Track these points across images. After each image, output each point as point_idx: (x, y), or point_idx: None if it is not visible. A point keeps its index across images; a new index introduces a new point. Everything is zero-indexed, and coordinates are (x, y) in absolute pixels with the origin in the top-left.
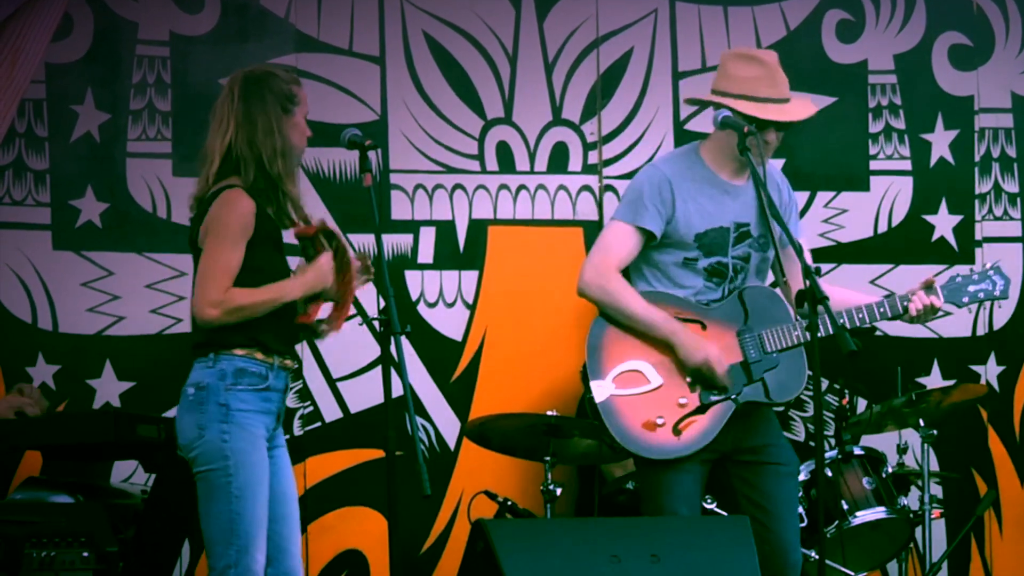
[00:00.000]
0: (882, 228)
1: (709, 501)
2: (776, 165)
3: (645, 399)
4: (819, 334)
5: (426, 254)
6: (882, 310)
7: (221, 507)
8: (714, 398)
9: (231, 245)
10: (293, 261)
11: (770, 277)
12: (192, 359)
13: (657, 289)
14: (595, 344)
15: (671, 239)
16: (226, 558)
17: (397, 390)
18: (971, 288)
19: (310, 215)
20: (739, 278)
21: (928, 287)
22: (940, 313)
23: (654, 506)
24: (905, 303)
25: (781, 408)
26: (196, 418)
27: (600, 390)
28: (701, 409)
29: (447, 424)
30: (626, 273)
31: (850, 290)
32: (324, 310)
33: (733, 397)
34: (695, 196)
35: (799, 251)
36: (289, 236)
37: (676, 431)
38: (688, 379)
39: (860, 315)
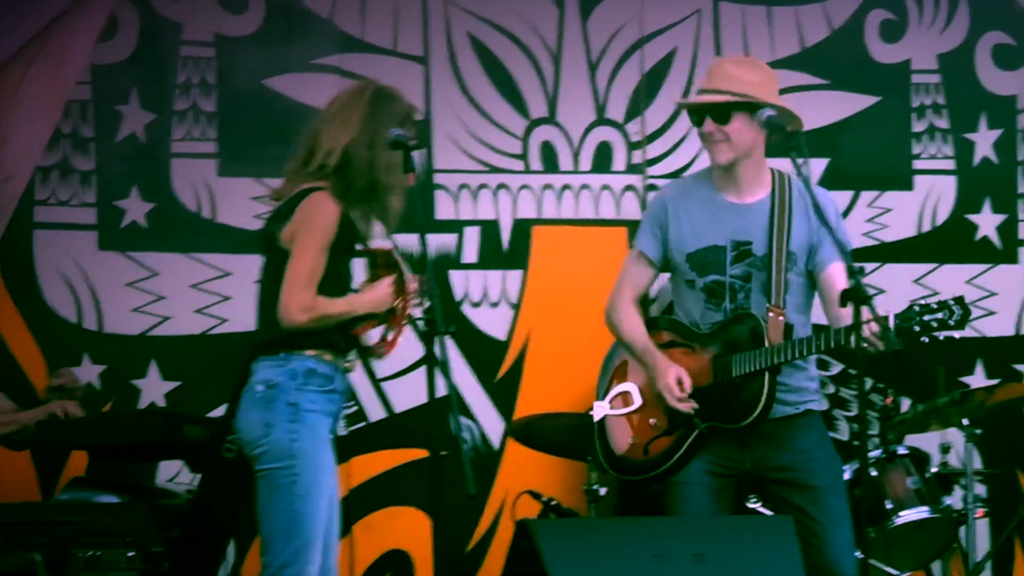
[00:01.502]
0: (925, 227)
1: (753, 500)
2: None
3: (627, 420)
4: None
5: (470, 254)
6: (820, 342)
7: (283, 505)
8: (678, 420)
9: (320, 251)
10: None
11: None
12: (257, 355)
13: (678, 314)
14: (607, 367)
15: (672, 262)
16: (283, 556)
17: (441, 390)
18: (927, 317)
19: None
20: (739, 297)
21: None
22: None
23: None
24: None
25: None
26: (263, 415)
27: (599, 410)
28: (668, 431)
29: (491, 424)
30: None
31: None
32: (375, 333)
33: (695, 420)
34: (690, 216)
35: (843, 250)
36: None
37: (645, 451)
38: (662, 402)
39: (801, 347)
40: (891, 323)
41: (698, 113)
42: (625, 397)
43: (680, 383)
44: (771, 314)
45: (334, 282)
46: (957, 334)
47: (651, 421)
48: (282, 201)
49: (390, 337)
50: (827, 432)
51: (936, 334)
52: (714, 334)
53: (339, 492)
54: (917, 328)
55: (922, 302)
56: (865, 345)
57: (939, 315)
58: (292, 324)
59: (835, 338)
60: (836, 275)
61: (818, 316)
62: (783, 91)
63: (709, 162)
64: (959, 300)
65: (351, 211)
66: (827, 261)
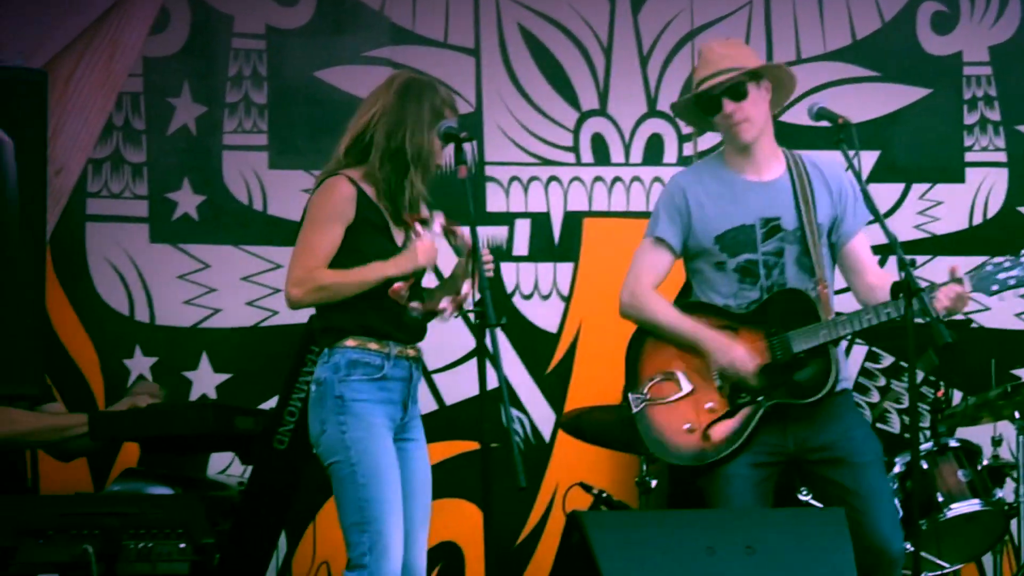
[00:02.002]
0: (977, 220)
1: (804, 493)
2: (834, 155)
3: (676, 406)
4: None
5: (521, 246)
6: (883, 314)
7: (350, 495)
8: (740, 401)
9: (318, 227)
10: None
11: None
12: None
13: (700, 299)
14: (633, 357)
15: (697, 246)
16: (360, 546)
17: (492, 382)
18: (1001, 276)
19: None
20: (774, 274)
21: (954, 277)
22: (970, 304)
23: None
24: (930, 298)
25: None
26: (318, 413)
27: (636, 402)
28: (729, 413)
29: (542, 416)
30: (688, 289)
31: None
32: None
33: (759, 399)
34: (712, 199)
35: (894, 242)
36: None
37: (705, 436)
38: (718, 383)
39: (868, 316)
40: (967, 285)
41: (711, 100)
42: (667, 385)
43: (752, 355)
44: (820, 287)
45: (355, 257)
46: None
47: (708, 405)
48: None
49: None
50: (860, 410)
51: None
52: (758, 312)
53: (427, 480)
54: (995, 287)
55: (995, 260)
56: (943, 312)
57: (1015, 272)
58: (290, 300)
59: (899, 309)
60: (859, 248)
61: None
62: (836, 83)
63: (730, 164)
64: (953, 276)
65: (378, 194)
66: (851, 233)
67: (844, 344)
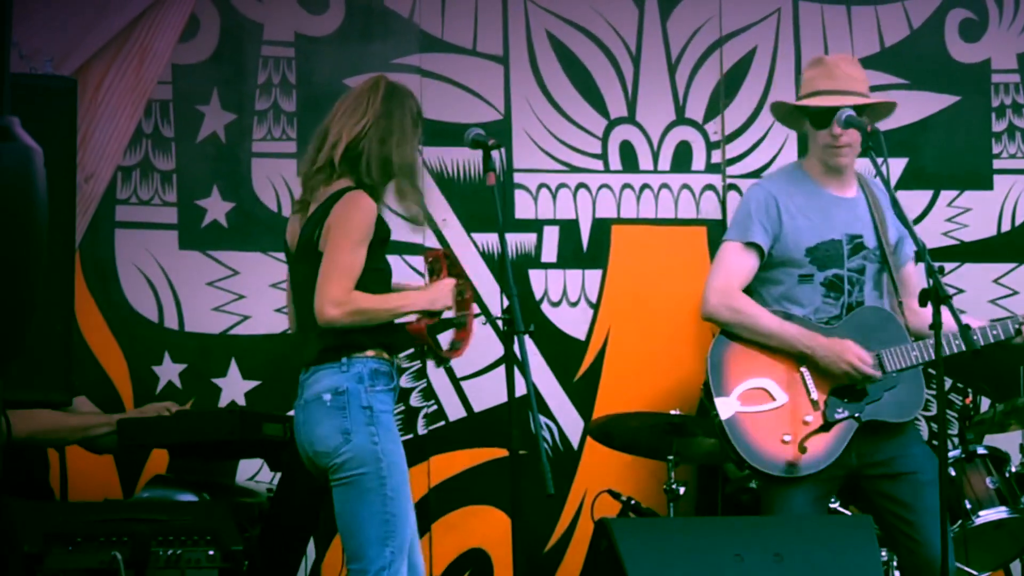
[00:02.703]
0: (1005, 227)
1: (832, 500)
2: (897, 167)
3: (770, 416)
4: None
5: (550, 253)
6: (995, 332)
7: (375, 509)
8: (838, 416)
9: (354, 247)
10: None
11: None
12: (313, 365)
13: (773, 308)
14: (717, 361)
15: (783, 256)
16: (381, 560)
17: (520, 389)
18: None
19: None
20: (855, 291)
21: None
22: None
23: None
24: (1017, 326)
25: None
26: (340, 423)
27: (725, 407)
28: (826, 427)
29: (570, 423)
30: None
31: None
32: (445, 338)
33: (856, 416)
34: (803, 211)
35: (922, 250)
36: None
37: (802, 448)
38: (813, 397)
39: (957, 342)
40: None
41: (825, 114)
42: (760, 393)
43: (862, 359)
44: (903, 308)
45: (380, 276)
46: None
47: (806, 418)
48: (316, 206)
49: (460, 346)
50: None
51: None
52: (840, 328)
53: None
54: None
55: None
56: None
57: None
58: (326, 320)
59: (1006, 332)
60: (912, 272)
61: None
62: None
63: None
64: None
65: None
66: (907, 257)
67: None
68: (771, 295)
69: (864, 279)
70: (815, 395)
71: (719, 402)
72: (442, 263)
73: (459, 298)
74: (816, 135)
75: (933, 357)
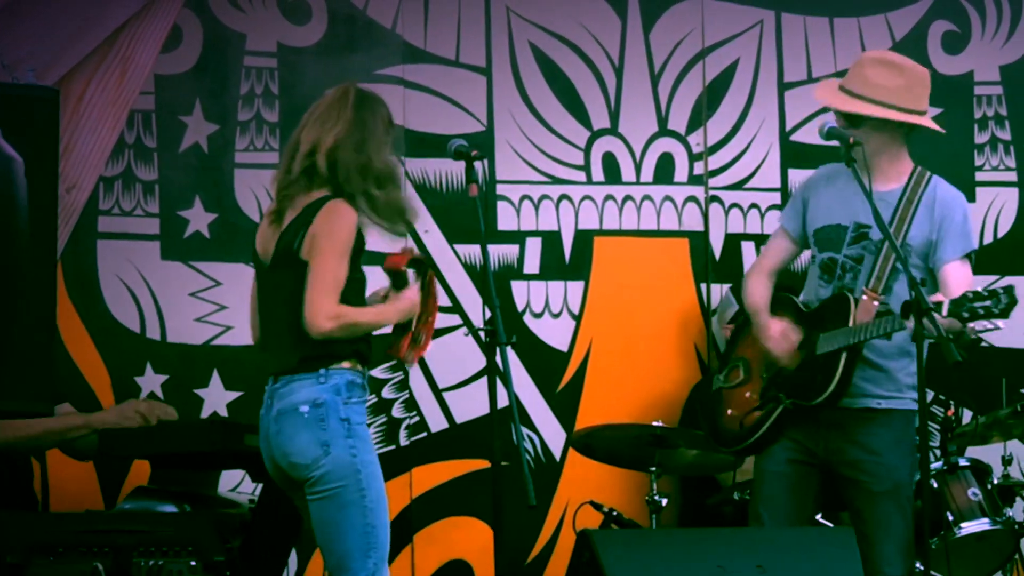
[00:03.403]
0: (987, 239)
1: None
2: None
3: (734, 393)
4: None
5: (532, 264)
6: (882, 327)
7: (357, 521)
8: (767, 395)
9: (340, 257)
10: None
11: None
12: (288, 374)
13: (804, 292)
14: (733, 338)
15: (809, 238)
16: (364, 571)
17: (503, 400)
18: (976, 304)
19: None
20: (847, 277)
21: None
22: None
23: (751, 510)
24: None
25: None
26: (318, 435)
27: (715, 383)
28: (759, 406)
29: (552, 434)
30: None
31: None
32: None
33: (780, 395)
34: (827, 195)
35: (903, 261)
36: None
37: (740, 424)
38: (763, 376)
39: (883, 327)
40: (944, 308)
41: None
42: (736, 371)
43: (785, 336)
44: (864, 296)
45: (358, 286)
46: (1002, 323)
47: (747, 395)
48: (294, 215)
49: (421, 340)
50: (910, 436)
51: (984, 322)
52: (813, 312)
53: None
54: (966, 314)
55: (976, 289)
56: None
57: (987, 302)
58: (319, 332)
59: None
60: (950, 274)
61: None
62: None
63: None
64: (1008, 290)
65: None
66: (944, 259)
67: (905, 362)
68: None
69: (860, 268)
70: (765, 373)
71: (715, 379)
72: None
73: (424, 301)
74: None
75: (857, 340)
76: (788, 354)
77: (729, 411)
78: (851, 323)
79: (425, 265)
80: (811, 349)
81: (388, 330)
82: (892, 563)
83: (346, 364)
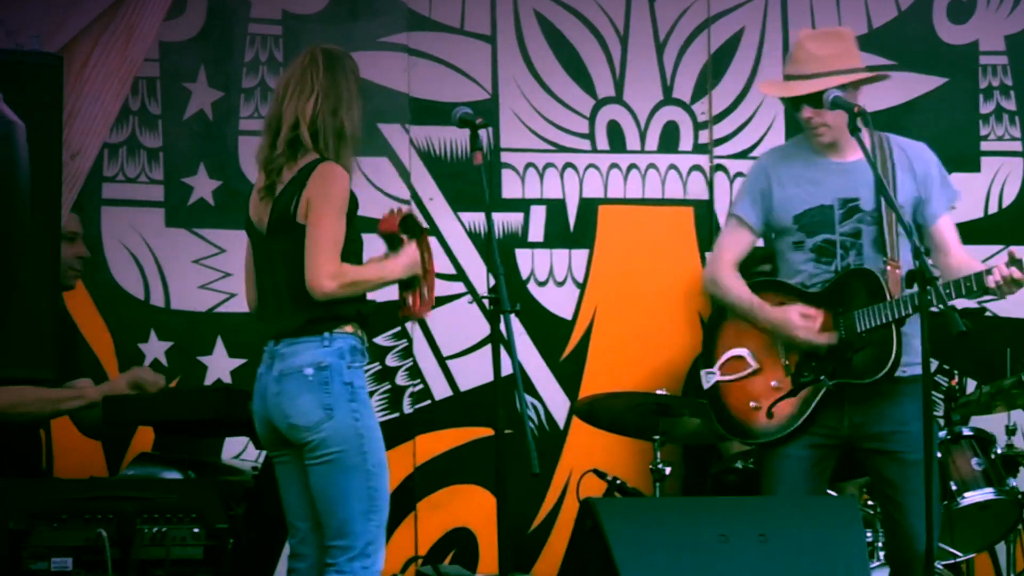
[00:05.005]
0: (992, 209)
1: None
2: (915, 140)
3: (744, 384)
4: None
5: (536, 233)
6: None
7: (359, 484)
8: (803, 380)
9: (338, 217)
10: None
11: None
12: (290, 336)
13: (781, 278)
14: (710, 334)
15: (778, 226)
16: (367, 534)
17: (507, 368)
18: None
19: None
20: (851, 255)
21: (1012, 260)
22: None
23: (762, 491)
24: (985, 275)
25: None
26: (321, 399)
27: (708, 378)
28: (792, 391)
29: (556, 403)
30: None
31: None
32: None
33: (822, 378)
34: (796, 179)
35: (908, 232)
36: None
37: (769, 414)
38: (785, 362)
39: (903, 307)
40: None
41: (793, 100)
42: (737, 362)
43: (807, 316)
44: (889, 267)
45: (356, 246)
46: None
47: (772, 383)
48: (286, 182)
49: (426, 295)
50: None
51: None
52: (827, 292)
53: None
54: (967, 285)
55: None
56: (995, 295)
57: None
58: (323, 293)
59: (966, 285)
60: (944, 229)
61: None
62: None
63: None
64: (1012, 259)
65: None
66: (936, 214)
67: (917, 328)
68: (780, 265)
69: (861, 243)
70: (786, 360)
71: (703, 374)
72: (397, 233)
73: (425, 255)
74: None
75: (902, 314)
76: (820, 336)
77: (752, 404)
78: (888, 296)
79: (417, 223)
80: (848, 327)
81: (393, 295)
82: (922, 536)
83: (349, 328)
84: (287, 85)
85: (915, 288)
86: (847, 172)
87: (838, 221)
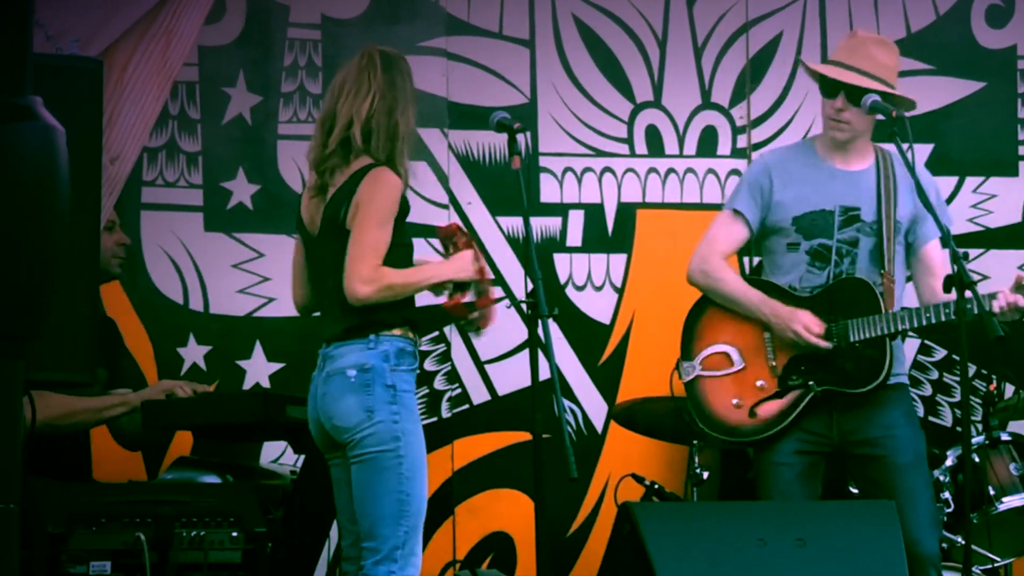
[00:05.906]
0: None
1: (854, 486)
2: (922, 153)
3: (727, 381)
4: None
5: (575, 237)
6: (932, 315)
7: (391, 487)
8: (791, 383)
9: (380, 224)
10: None
11: (898, 266)
12: (338, 341)
13: (767, 277)
14: (690, 325)
15: (774, 225)
16: (394, 539)
17: (544, 373)
18: None
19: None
20: (845, 263)
21: (1018, 287)
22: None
23: (759, 499)
24: (990, 299)
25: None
26: (363, 400)
27: (688, 370)
28: (778, 393)
29: (594, 407)
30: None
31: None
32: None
33: (811, 383)
34: (798, 181)
35: (947, 236)
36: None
37: (751, 413)
38: (772, 363)
39: (927, 314)
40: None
41: (832, 85)
42: (720, 358)
43: (814, 324)
44: (885, 280)
45: (404, 251)
46: None
47: (758, 383)
48: (338, 185)
49: (486, 315)
50: (913, 406)
51: None
52: (818, 298)
53: None
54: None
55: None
56: (998, 316)
57: None
58: (358, 298)
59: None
60: (934, 251)
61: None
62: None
63: (820, 150)
64: (1019, 285)
65: None
66: (928, 236)
67: (899, 338)
68: (768, 265)
69: (857, 251)
70: (774, 362)
71: (684, 365)
72: (457, 236)
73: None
74: (824, 103)
75: (898, 329)
76: (822, 341)
77: (734, 401)
78: (883, 309)
79: (469, 236)
80: (840, 336)
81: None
82: (926, 531)
83: (397, 331)
84: (343, 84)
85: (952, 294)
86: (851, 180)
87: (837, 227)
